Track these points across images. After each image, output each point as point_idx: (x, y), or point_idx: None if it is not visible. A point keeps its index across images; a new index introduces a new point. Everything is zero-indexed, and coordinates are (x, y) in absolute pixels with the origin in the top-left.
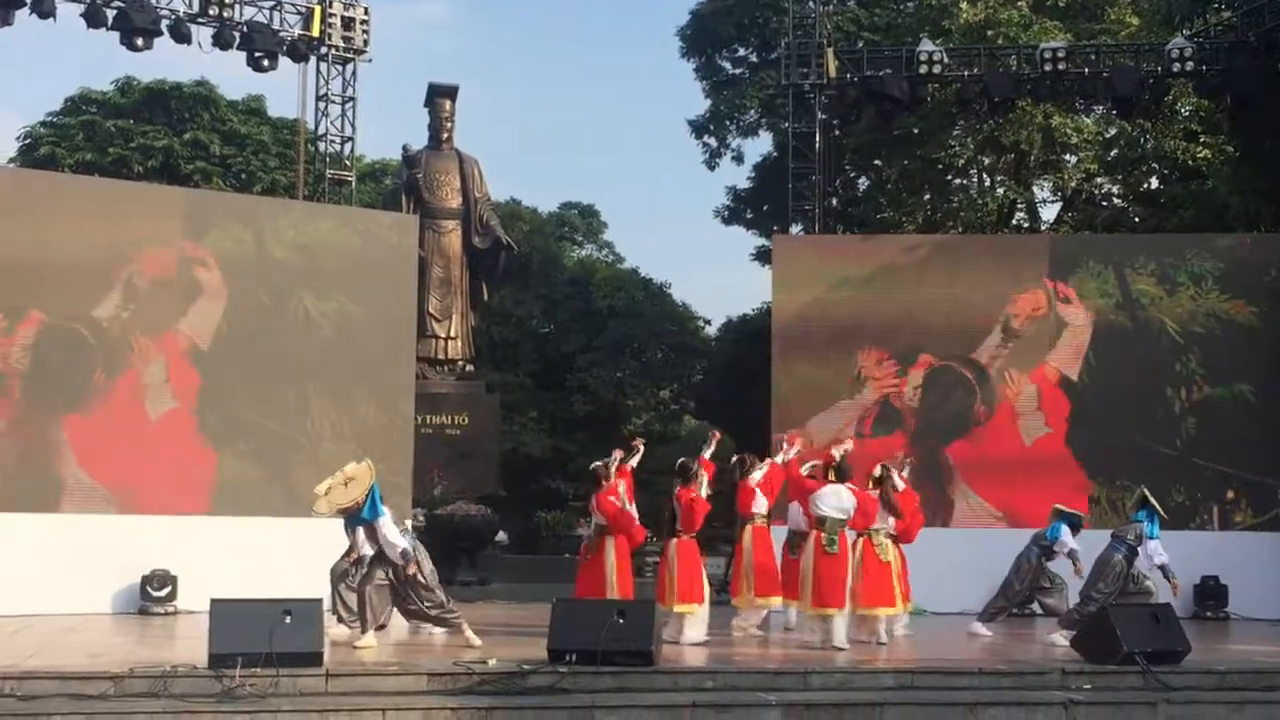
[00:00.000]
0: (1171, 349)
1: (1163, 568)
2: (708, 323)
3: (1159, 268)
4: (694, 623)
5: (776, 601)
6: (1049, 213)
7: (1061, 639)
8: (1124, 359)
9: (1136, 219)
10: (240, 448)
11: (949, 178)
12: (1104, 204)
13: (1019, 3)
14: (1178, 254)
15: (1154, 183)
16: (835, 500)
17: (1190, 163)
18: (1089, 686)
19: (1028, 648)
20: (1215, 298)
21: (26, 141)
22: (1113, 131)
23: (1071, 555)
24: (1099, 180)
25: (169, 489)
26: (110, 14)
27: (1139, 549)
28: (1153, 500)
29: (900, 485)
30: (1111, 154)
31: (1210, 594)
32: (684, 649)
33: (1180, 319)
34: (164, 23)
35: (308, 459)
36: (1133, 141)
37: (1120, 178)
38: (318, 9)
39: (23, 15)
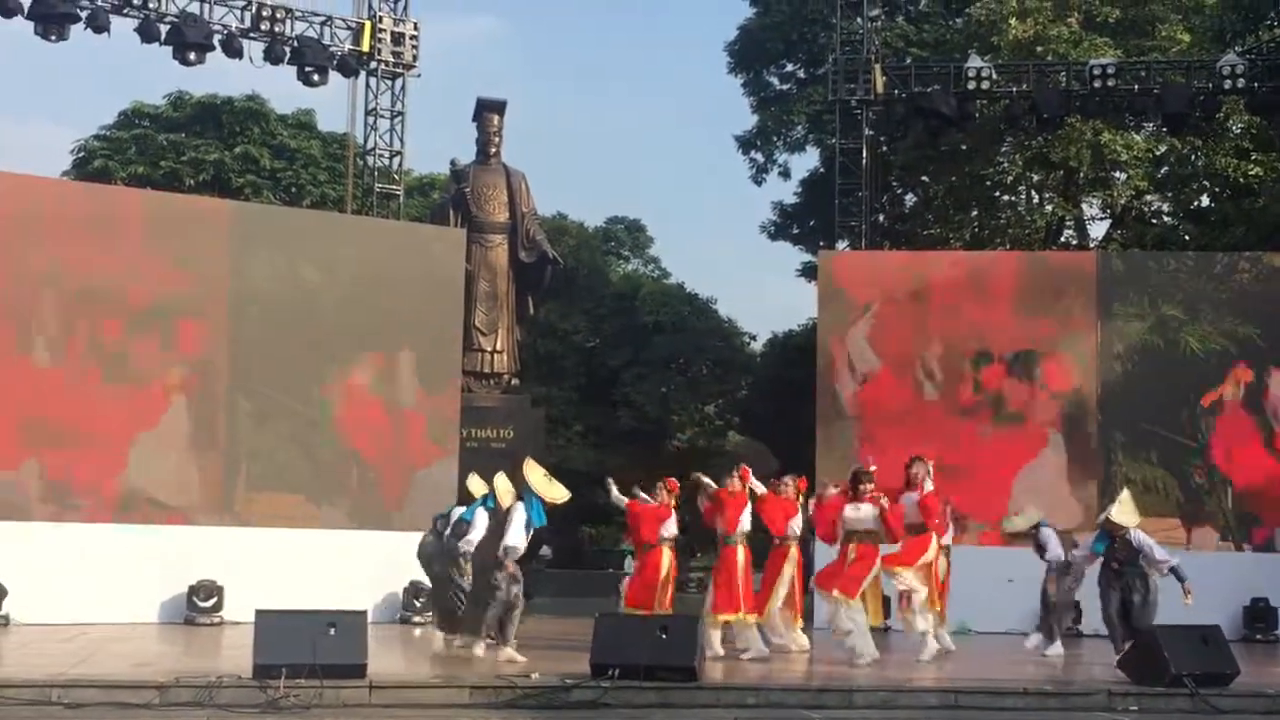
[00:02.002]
0: (1193, 361)
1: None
2: (753, 338)
3: (1185, 296)
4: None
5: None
6: (1098, 230)
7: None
8: (1156, 369)
9: (1186, 237)
10: (286, 469)
11: (997, 194)
12: (1154, 221)
13: (1069, 19)
14: (1201, 282)
15: (1205, 200)
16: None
17: (1241, 180)
18: (1135, 709)
19: (1074, 668)
20: (1230, 320)
21: (80, 155)
22: (1163, 148)
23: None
24: (1149, 197)
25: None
26: (163, 29)
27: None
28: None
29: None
30: (1162, 171)
31: (1260, 616)
32: (730, 664)
33: (1200, 336)
34: (216, 38)
35: (355, 475)
36: (1183, 159)
37: (1170, 195)
38: (368, 24)
39: (77, 30)
